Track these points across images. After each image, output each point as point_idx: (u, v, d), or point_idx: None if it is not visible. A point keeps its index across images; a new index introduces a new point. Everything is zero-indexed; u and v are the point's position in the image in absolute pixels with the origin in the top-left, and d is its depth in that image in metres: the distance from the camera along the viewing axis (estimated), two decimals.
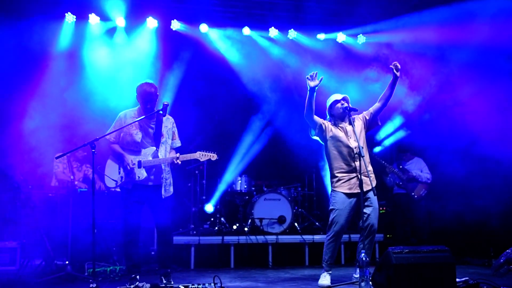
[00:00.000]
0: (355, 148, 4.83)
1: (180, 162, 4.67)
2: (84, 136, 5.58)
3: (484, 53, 6.38)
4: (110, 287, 4.54)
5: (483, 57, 6.40)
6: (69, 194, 5.72)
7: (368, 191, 4.76)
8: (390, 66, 4.85)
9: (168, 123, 4.89)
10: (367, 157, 4.84)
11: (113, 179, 4.79)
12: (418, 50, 7.30)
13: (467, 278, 4.22)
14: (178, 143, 4.98)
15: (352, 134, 4.88)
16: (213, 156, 4.83)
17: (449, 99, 6.98)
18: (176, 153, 4.81)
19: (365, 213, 4.74)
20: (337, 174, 4.89)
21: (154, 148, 4.75)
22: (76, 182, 6.12)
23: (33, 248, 5.50)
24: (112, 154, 4.85)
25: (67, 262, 5.35)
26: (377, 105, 5.03)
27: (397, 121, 7.76)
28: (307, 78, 4.73)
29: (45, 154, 6.27)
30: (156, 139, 4.78)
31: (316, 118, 4.91)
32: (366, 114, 5.07)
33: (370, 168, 4.85)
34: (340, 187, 4.85)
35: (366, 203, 4.75)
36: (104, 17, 7.42)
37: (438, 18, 6.82)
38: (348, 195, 4.81)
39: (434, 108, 7.31)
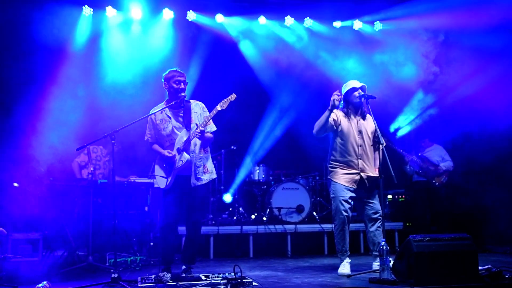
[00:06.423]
0: (360, 145, 4.84)
1: (203, 128, 4.49)
2: (100, 130, 5.62)
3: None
4: (131, 277, 4.59)
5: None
6: (90, 185, 5.78)
7: (367, 185, 4.84)
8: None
9: (198, 108, 4.74)
10: (371, 154, 4.87)
11: (163, 177, 4.65)
12: (437, 35, 7.16)
13: (489, 266, 4.16)
14: (213, 127, 4.78)
15: (362, 129, 4.88)
16: (232, 96, 4.61)
17: (471, 86, 6.84)
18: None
19: (369, 202, 4.86)
20: (336, 165, 4.91)
21: (185, 130, 4.58)
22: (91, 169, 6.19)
23: (55, 239, 5.58)
24: (156, 157, 4.73)
25: (88, 253, 5.44)
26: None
27: (415, 108, 7.65)
28: (336, 95, 4.67)
29: (66, 147, 6.35)
30: (187, 125, 4.60)
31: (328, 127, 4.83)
32: (375, 128, 4.86)
33: (377, 163, 4.86)
34: (336, 179, 4.87)
35: (367, 192, 4.87)
36: (121, 10, 7.44)
37: (458, 2, 6.66)
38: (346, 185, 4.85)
39: (454, 95, 7.16)
